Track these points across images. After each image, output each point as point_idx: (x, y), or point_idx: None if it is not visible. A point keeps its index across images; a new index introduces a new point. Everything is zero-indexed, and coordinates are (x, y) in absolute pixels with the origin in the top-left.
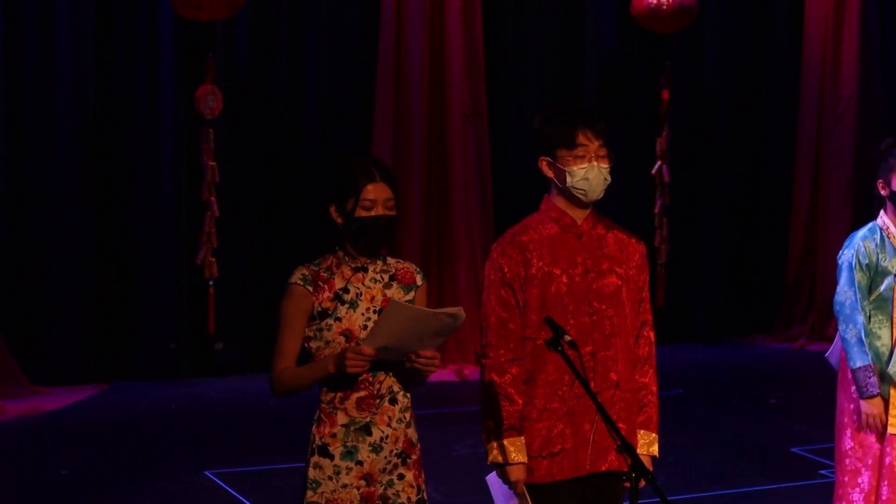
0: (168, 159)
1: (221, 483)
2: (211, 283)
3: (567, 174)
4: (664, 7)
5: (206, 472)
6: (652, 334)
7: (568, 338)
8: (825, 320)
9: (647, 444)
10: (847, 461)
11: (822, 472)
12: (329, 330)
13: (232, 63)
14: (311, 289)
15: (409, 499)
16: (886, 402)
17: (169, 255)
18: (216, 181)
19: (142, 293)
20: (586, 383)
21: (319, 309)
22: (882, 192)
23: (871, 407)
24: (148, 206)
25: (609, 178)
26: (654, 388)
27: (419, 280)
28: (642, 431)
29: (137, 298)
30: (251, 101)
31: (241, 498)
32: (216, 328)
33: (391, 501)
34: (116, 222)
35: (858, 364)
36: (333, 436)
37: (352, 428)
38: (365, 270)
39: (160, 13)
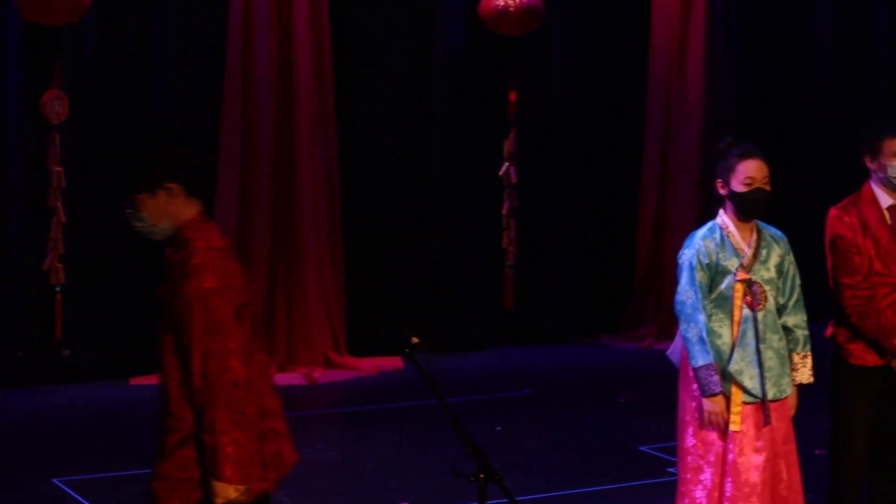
0: (15, 164)
1: (70, 491)
2: (58, 289)
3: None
4: (511, 9)
5: (55, 480)
6: None
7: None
8: (673, 320)
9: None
10: (689, 458)
11: (671, 469)
12: None
13: (78, 68)
14: None
15: None
16: (728, 399)
17: (15, 262)
18: (63, 187)
19: None
20: (434, 386)
21: None
22: (721, 192)
23: (713, 405)
24: None
25: None
26: None
27: None
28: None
29: None
30: (98, 106)
31: None
32: (64, 335)
33: None
34: None
35: (700, 363)
36: None
37: None
38: None
39: (7, 18)
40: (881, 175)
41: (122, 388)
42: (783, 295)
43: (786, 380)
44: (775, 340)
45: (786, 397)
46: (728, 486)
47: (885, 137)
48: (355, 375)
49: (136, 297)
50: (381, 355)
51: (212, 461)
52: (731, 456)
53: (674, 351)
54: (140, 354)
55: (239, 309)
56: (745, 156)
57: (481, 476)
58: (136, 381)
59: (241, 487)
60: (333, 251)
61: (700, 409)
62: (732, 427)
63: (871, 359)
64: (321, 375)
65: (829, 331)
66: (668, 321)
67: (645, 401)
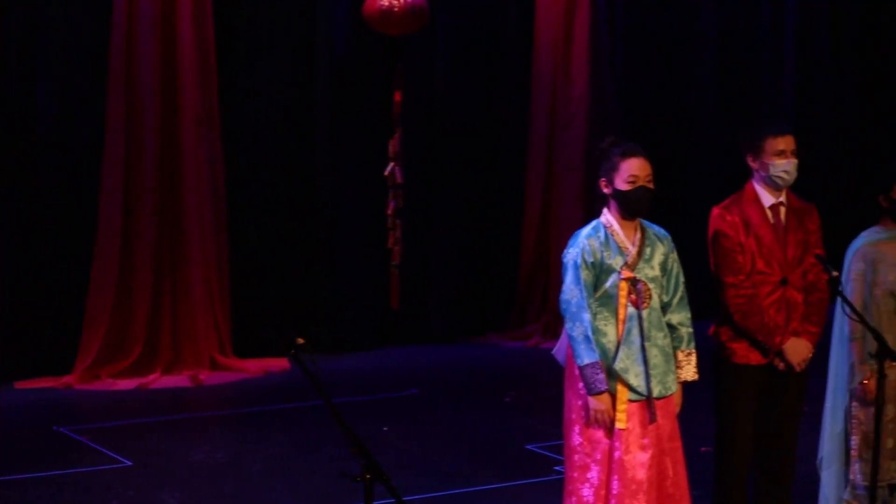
0: None
1: None
2: None
3: None
4: (395, 9)
5: None
6: None
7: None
8: (558, 318)
9: None
10: (576, 457)
11: (557, 468)
12: None
13: None
14: None
15: None
16: (614, 397)
17: None
18: None
19: None
20: (320, 387)
21: None
22: (605, 191)
23: (598, 403)
24: None
25: None
26: None
27: None
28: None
29: None
30: None
31: None
32: None
33: None
34: None
35: (586, 361)
36: None
37: None
38: None
39: None
40: (763, 174)
41: (7, 392)
42: (667, 293)
43: (671, 377)
44: (660, 338)
45: (671, 395)
46: (615, 484)
47: (767, 137)
48: (241, 377)
49: (19, 299)
50: (266, 356)
51: None
52: (617, 454)
53: (559, 350)
54: (25, 358)
55: None
56: (627, 154)
57: (368, 476)
58: (21, 384)
59: None
60: (219, 252)
61: (586, 407)
62: (618, 425)
63: (754, 357)
64: (207, 377)
65: (712, 329)
66: (553, 320)
67: (531, 400)
